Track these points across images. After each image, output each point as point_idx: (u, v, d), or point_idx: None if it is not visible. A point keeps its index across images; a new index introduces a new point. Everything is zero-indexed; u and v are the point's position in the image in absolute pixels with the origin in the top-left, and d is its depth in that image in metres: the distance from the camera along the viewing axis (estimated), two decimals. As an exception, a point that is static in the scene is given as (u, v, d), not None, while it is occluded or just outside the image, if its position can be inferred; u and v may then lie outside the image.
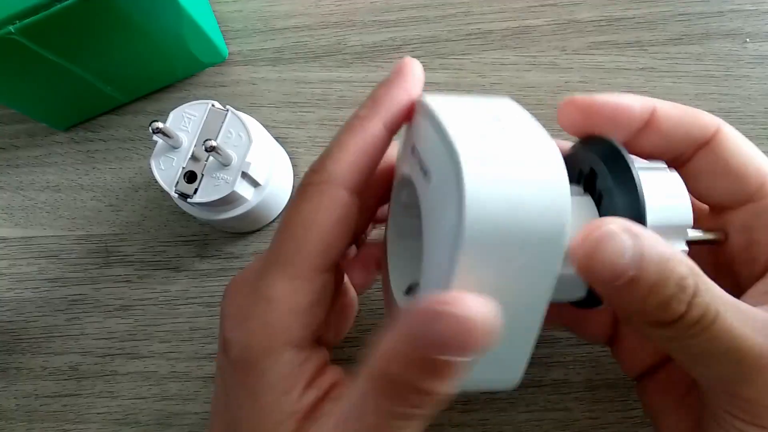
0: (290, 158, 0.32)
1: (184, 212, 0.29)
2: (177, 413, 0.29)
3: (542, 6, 0.34)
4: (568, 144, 0.22)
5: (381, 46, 0.34)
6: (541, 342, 0.28)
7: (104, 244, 0.32)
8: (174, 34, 0.31)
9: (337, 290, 0.22)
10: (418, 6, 0.34)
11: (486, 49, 0.33)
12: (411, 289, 0.21)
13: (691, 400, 0.21)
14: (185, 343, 0.30)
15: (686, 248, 0.19)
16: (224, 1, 0.36)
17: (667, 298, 0.16)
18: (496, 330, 0.14)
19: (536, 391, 0.28)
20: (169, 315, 0.31)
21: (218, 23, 0.35)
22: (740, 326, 0.17)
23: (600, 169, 0.19)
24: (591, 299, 0.19)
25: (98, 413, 0.30)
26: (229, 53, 0.35)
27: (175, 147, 0.28)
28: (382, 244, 0.23)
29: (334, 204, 0.19)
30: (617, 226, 0.16)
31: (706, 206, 0.22)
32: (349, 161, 0.19)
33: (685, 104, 0.21)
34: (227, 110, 0.28)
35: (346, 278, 0.24)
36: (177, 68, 0.34)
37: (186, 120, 0.28)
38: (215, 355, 0.23)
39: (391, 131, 0.20)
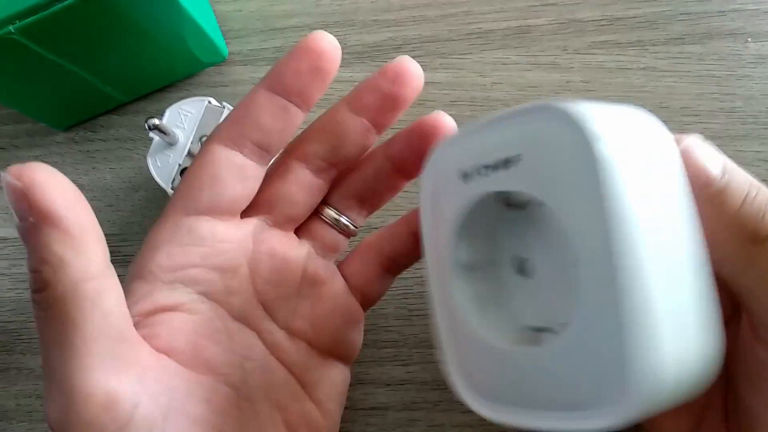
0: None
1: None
2: (177, 414, 0.29)
3: (543, 5, 0.33)
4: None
5: (381, 45, 0.34)
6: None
7: (104, 245, 0.32)
8: (174, 34, 0.31)
9: (338, 297, 0.23)
10: (418, 5, 0.34)
11: (487, 49, 0.33)
12: (540, 329, 0.18)
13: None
14: (185, 344, 0.30)
15: None
16: (224, 0, 0.35)
17: (760, 210, 0.16)
18: None
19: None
20: (169, 315, 0.31)
21: (218, 23, 0.35)
22: None
23: None
24: None
25: (98, 414, 0.30)
26: (229, 53, 0.34)
27: (171, 144, 0.28)
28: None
29: (203, 156, 0.22)
30: (696, 137, 0.17)
31: None
32: (227, 121, 0.22)
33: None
34: (223, 107, 0.28)
35: (341, 280, 0.24)
36: (177, 68, 0.34)
37: (182, 117, 0.28)
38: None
39: (284, 95, 0.21)
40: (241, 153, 0.21)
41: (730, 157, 0.18)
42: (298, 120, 0.22)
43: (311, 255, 0.23)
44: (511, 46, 0.33)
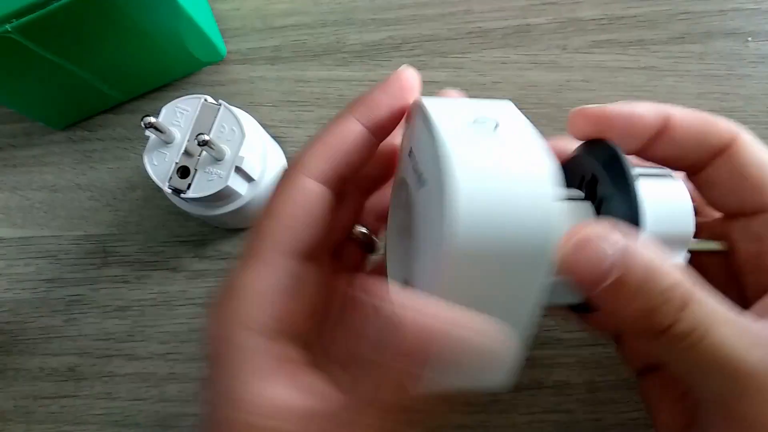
0: (289, 157, 0.32)
1: (182, 212, 0.29)
2: (176, 415, 0.29)
3: (543, 4, 0.33)
4: (572, 144, 0.21)
5: (380, 44, 0.34)
6: (543, 344, 0.28)
7: (102, 245, 0.32)
8: (172, 33, 0.31)
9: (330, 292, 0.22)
10: (417, 4, 0.34)
11: (486, 48, 0.33)
12: (406, 283, 0.21)
13: (687, 402, 0.21)
14: (184, 344, 0.30)
15: (687, 256, 0.19)
16: (223, -1, 0.35)
17: (652, 307, 0.16)
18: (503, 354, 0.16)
19: (538, 392, 0.28)
20: (168, 316, 0.30)
21: (216, 21, 0.35)
22: (735, 343, 0.16)
23: (601, 174, 0.19)
24: (588, 305, 0.19)
25: (96, 415, 0.30)
26: (228, 52, 0.34)
27: (167, 142, 0.28)
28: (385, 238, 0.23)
29: (300, 193, 0.19)
30: (604, 227, 0.16)
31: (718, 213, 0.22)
32: (317, 151, 0.19)
33: (686, 104, 0.20)
34: (220, 104, 0.28)
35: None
36: (175, 67, 0.33)
37: (179, 115, 0.28)
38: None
39: (374, 131, 0.20)
40: (332, 192, 0.20)
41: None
42: (372, 153, 0.21)
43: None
44: (511, 45, 0.33)
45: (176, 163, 0.27)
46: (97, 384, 0.30)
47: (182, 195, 0.27)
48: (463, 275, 0.15)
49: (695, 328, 0.16)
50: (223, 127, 0.28)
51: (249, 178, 0.28)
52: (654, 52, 0.32)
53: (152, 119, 0.26)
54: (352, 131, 0.20)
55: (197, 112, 0.28)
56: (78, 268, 0.32)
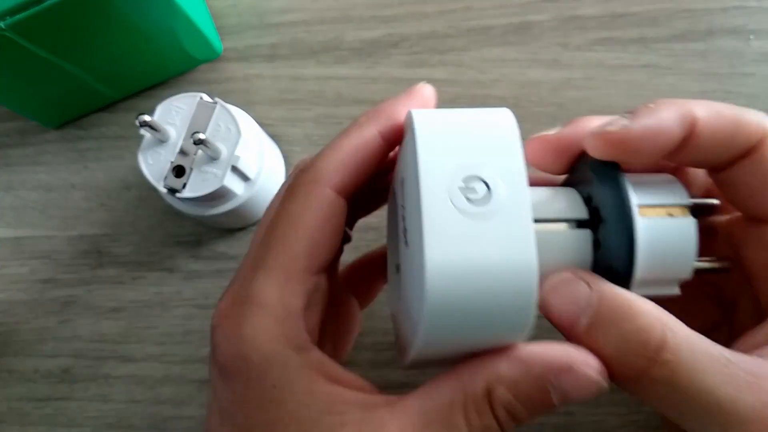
0: (286, 156, 0.32)
1: (177, 212, 0.29)
2: (171, 417, 0.29)
3: (544, 2, 0.33)
4: (593, 123, 0.20)
5: (379, 42, 0.33)
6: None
7: (96, 245, 0.32)
8: (167, 30, 0.30)
9: (336, 298, 0.22)
10: (416, 1, 0.34)
11: (486, 45, 0.33)
12: (398, 268, 0.22)
13: None
14: (179, 346, 0.30)
15: (678, 292, 0.19)
16: (219, -4, 0.35)
17: (623, 350, 0.16)
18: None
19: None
20: (163, 317, 0.30)
21: (212, 18, 0.34)
22: (724, 387, 0.15)
23: (604, 205, 0.18)
24: None
25: (91, 417, 0.29)
26: (224, 49, 0.34)
27: (163, 141, 0.27)
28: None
29: (321, 204, 0.18)
30: (573, 273, 0.17)
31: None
32: (338, 162, 0.19)
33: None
34: (216, 103, 0.28)
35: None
36: (170, 65, 0.33)
37: (174, 113, 0.28)
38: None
39: (388, 141, 0.19)
40: (347, 202, 0.19)
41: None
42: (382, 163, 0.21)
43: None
44: (511, 42, 0.33)
45: (171, 162, 0.27)
46: (91, 386, 0.30)
47: (177, 194, 0.27)
48: (440, 335, 0.16)
49: (675, 372, 0.15)
50: (219, 125, 0.27)
51: (245, 178, 0.28)
52: (655, 50, 0.32)
53: (147, 118, 0.26)
54: (372, 142, 0.19)
55: (193, 111, 0.28)
56: (72, 268, 0.31)
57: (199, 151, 0.27)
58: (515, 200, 0.16)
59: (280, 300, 0.18)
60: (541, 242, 0.16)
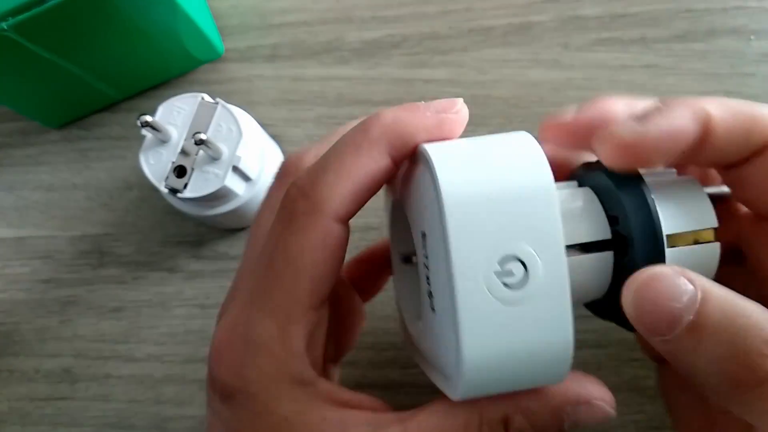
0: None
1: (178, 212, 0.29)
2: (172, 417, 0.29)
3: (544, 2, 0.33)
4: (618, 106, 0.19)
5: (380, 42, 0.33)
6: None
7: (97, 245, 0.32)
8: (169, 30, 0.30)
9: (339, 294, 0.22)
10: (417, 2, 0.34)
11: (487, 46, 0.33)
12: (408, 259, 0.22)
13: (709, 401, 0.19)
14: (180, 346, 0.30)
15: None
16: (220, -4, 0.35)
17: (743, 350, 0.14)
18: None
19: None
20: (164, 317, 0.30)
21: (214, 19, 0.34)
22: None
23: (631, 234, 0.17)
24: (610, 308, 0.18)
25: (92, 417, 0.29)
26: (225, 50, 0.34)
27: (164, 141, 0.27)
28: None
29: (323, 238, 0.17)
30: (671, 268, 0.15)
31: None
32: (346, 190, 0.17)
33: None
34: (217, 103, 0.28)
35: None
36: (172, 65, 0.33)
37: (175, 113, 0.28)
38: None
39: (398, 164, 0.18)
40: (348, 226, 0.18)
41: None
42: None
43: None
44: (512, 43, 0.33)
45: (173, 162, 0.27)
46: (92, 386, 0.30)
47: (179, 195, 0.27)
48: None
49: None
50: (220, 125, 0.27)
51: (246, 178, 0.28)
52: (656, 50, 0.32)
53: (149, 118, 0.26)
54: (384, 169, 0.17)
55: (194, 111, 0.28)
56: (74, 268, 0.31)
57: (201, 152, 0.27)
58: (553, 279, 0.15)
59: (282, 345, 0.17)
60: (571, 272, 0.15)
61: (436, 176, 0.15)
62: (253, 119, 0.30)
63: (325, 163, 0.17)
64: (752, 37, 0.32)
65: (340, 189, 0.17)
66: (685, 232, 0.17)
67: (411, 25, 0.33)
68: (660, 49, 0.32)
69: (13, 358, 0.30)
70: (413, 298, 0.21)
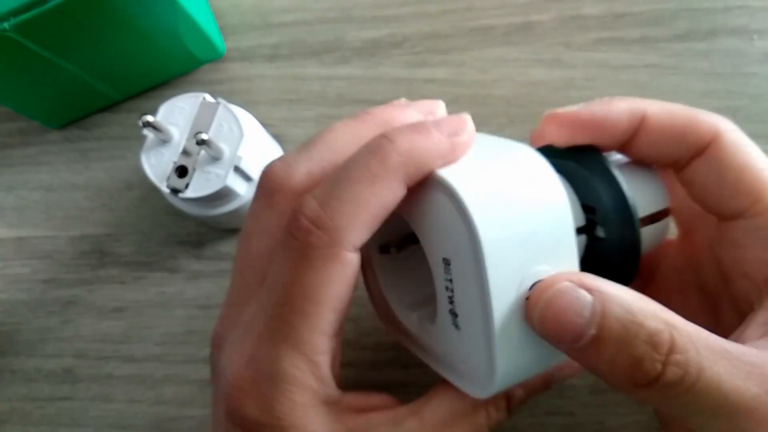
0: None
1: (179, 212, 0.29)
2: (173, 417, 0.29)
3: (545, 1, 0.33)
4: (616, 107, 0.20)
5: (380, 42, 0.33)
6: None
7: (98, 245, 0.32)
8: (170, 30, 0.30)
9: None
10: (418, 1, 0.34)
11: (488, 45, 0.33)
12: (385, 249, 0.22)
13: None
14: (181, 346, 0.30)
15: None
16: (221, -4, 0.35)
17: (637, 358, 0.15)
18: None
19: (540, 395, 0.27)
20: (165, 317, 0.30)
21: (215, 19, 0.34)
22: (729, 378, 0.15)
23: (606, 218, 0.19)
24: None
25: (93, 417, 0.29)
26: (226, 49, 0.34)
27: (165, 141, 0.27)
28: (366, 260, 0.22)
29: (342, 271, 0.17)
30: (571, 282, 0.16)
31: None
32: (362, 221, 0.17)
33: (691, 102, 0.20)
34: (218, 103, 0.28)
35: None
36: (172, 65, 0.33)
37: (177, 113, 0.28)
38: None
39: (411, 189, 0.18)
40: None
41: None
42: None
43: None
44: (513, 42, 0.32)
45: (174, 162, 0.27)
46: (93, 386, 0.30)
47: (180, 195, 0.27)
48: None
49: (687, 371, 0.15)
50: (221, 125, 0.27)
51: (248, 178, 0.28)
52: (658, 50, 0.32)
53: (150, 118, 0.26)
54: (398, 198, 0.17)
55: (196, 111, 0.28)
56: (74, 268, 0.31)
57: (202, 152, 0.27)
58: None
59: (313, 375, 0.18)
60: None
61: (472, 219, 0.16)
62: (254, 119, 0.30)
63: (339, 192, 0.17)
64: (754, 36, 0.32)
65: (358, 220, 0.17)
66: (647, 216, 0.20)
67: (412, 25, 0.33)
68: (662, 48, 0.32)
69: (14, 359, 0.30)
70: (405, 287, 0.22)
